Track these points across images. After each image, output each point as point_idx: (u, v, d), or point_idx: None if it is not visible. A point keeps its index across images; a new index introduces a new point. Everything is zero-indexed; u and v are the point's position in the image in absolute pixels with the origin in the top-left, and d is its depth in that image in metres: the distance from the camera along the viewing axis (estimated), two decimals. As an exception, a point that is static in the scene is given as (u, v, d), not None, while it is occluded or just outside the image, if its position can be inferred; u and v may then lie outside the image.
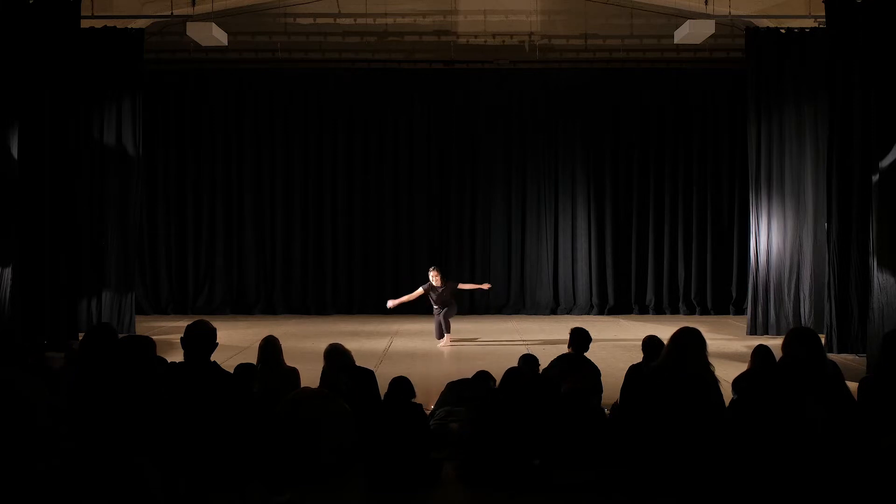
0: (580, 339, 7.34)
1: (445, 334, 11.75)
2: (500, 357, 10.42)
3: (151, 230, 15.92)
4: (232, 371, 5.75)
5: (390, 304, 12.41)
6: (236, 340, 11.62)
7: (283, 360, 6.88)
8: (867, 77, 10.46)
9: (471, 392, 6.66)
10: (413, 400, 5.79)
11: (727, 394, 5.49)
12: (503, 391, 5.81)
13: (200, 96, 15.99)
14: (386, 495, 5.36)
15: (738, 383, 5.68)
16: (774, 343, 6.11)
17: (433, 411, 6.61)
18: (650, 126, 16.12)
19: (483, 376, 7.10)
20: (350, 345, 7.36)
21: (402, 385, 5.78)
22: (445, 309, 11.84)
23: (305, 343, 11.52)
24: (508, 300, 16.08)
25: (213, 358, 5.15)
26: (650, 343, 6.75)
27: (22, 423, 4.30)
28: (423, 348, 11.59)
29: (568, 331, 7.53)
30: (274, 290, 16.11)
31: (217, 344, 5.17)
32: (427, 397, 6.74)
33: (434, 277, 11.96)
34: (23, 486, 4.04)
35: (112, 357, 4.80)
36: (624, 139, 16.16)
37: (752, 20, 13.11)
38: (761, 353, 6.09)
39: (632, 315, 15.78)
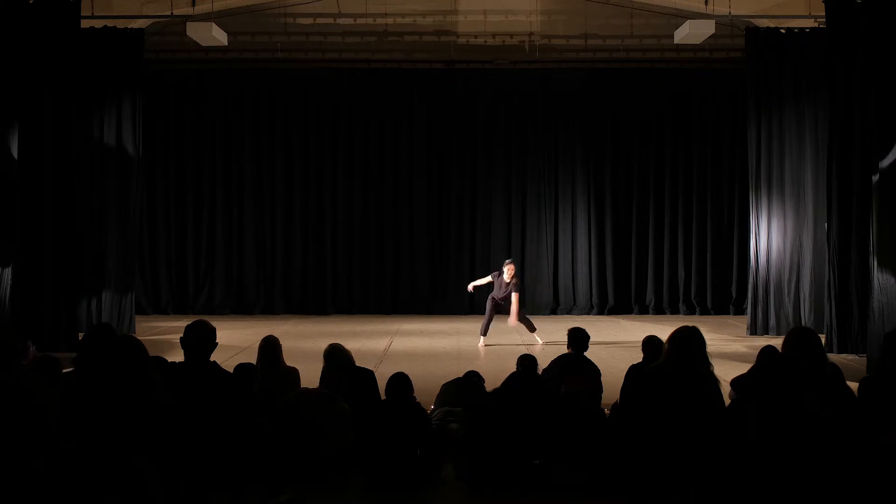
0: (579, 338, 7.36)
1: (534, 332, 11.85)
2: (500, 357, 10.44)
3: (151, 230, 15.92)
4: (232, 371, 5.75)
5: (471, 287, 12.66)
6: (236, 340, 11.61)
7: (283, 360, 6.88)
8: (867, 77, 10.46)
9: (465, 392, 6.67)
10: (412, 397, 5.79)
11: (727, 394, 5.49)
12: (502, 392, 5.81)
13: (200, 96, 15.99)
14: (385, 495, 5.37)
15: (737, 383, 5.68)
16: (775, 343, 6.11)
17: (431, 412, 6.61)
18: (650, 126, 16.13)
19: (473, 376, 7.11)
20: (350, 345, 7.36)
21: (400, 382, 5.77)
22: (504, 304, 11.86)
23: (305, 343, 11.52)
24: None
25: (213, 358, 5.16)
26: (650, 343, 6.75)
27: (28, 422, 4.30)
28: (423, 348, 11.59)
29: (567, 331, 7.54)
30: (274, 290, 16.11)
31: (217, 344, 5.18)
32: (427, 397, 6.74)
33: (508, 270, 11.87)
34: (23, 486, 4.04)
35: (107, 357, 4.80)
36: (624, 139, 16.16)
37: (752, 20, 13.11)
38: (767, 353, 6.06)
39: (632, 315, 15.79)
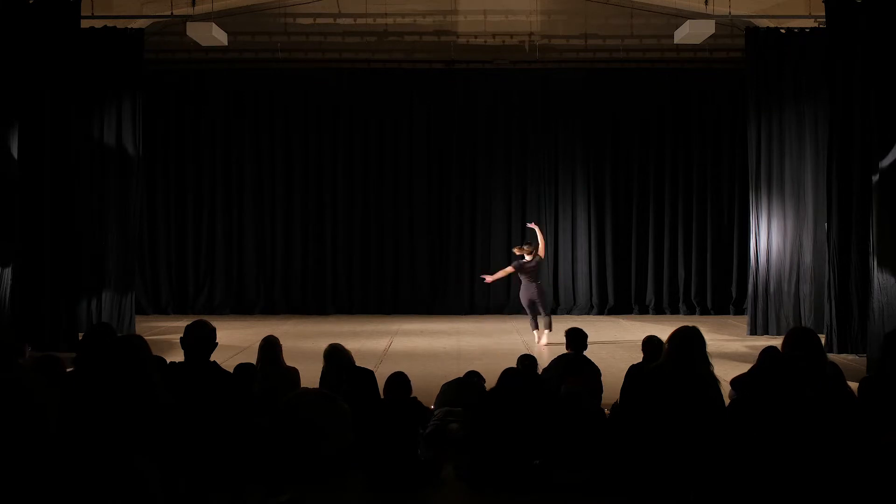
0: (576, 338, 7.39)
1: (545, 331, 11.73)
2: (500, 357, 10.43)
3: (151, 230, 15.92)
4: (231, 371, 5.75)
5: (488, 279, 12.76)
6: (236, 340, 11.62)
7: (283, 360, 6.88)
8: (867, 77, 10.46)
9: (465, 392, 6.68)
10: (412, 397, 5.79)
11: (727, 393, 5.49)
12: (498, 391, 5.81)
13: (200, 96, 15.99)
14: (385, 495, 5.37)
15: (736, 383, 5.68)
16: (774, 343, 6.11)
17: (431, 412, 6.62)
18: (650, 126, 16.13)
19: (473, 376, 7.11)
20: (350, 345, 7.37)
21: (399, 382, 5.77)
22: (538, 293, 11.86)
23: (305, 343, 11.52)
24: (508, 300, 16.06)
25: (212, 358, 5.16)
26: (650, 343, 6.76)
27: (28, 422, 4.30)
28: (423, 348, 11.59)
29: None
30: (274, 290, 16.11)
31: (217, 344, 5.18)
32: (427, 397, 6.74)
33: (528, 254, 12.02)
34: (24, 486, 4.04)
35: (107, 357, 4.80)
36: (624, 139, 16.16)
37: (752, 20, 13.10)
38: (768, 354, 6.05)
39: (632, 315, 15.79)
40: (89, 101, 12.53)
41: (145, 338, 5.12)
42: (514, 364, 6.69)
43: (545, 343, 11.55)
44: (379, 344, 11.85)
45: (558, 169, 16.23)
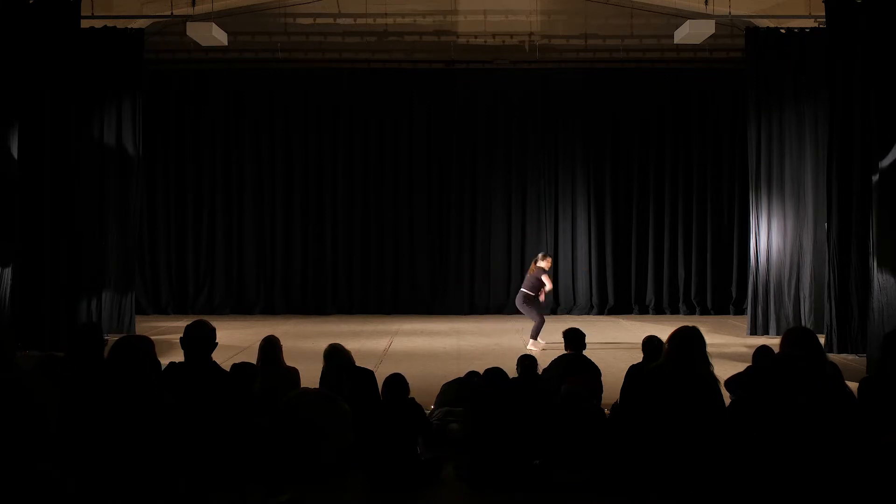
0: (575, 338, 7.42)
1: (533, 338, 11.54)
2: (500, 357, 10.42)
3: (151, 230, 15.93)
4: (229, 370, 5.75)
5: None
6: (236, 340, 11.62)
7: (283, 359, 6.88)
8: (867, 77, 10.46)
9: (465, 392, 6.69)
10: (409, 397, 5.79)
11: (725, 393, 5.49)
12: (491, 391, 5.81)
13: (200, 96, 15.99)
14: (385, 495, 5.37)
15: (731, 383, 5.68)
16: (774, 343, 6.11)
17: (432, 412, 6.62)
18: (650, 126, 16.13)
19: (474, 376, 7.11)
20: (350, 345, 7.37)
21: (397, 383, 5.77)
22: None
23: (305, 343, 11.52)
24: (508, 300, 16.04)
25: (213, 358, 5.16)
26: (650, 343, 6.76)
27: (28, 422, 4.30)
28: (423, 348, 11.59)
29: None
30: (274, 290, 16.11)
31: (217, 344, 5.18)
32: (427, 397, 6.74)
33: (548, 264, 11.91)
34: (26, 487, 4.04)
35: (105, 357, 4.80)
36: (624, 139, 16.17)
37: (752, 20, 13.11)
38: (763, 353, 6.07)
39: (632, 315, 15.79)
40: (89, 101, 12.51)
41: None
42: (514, 363, 6.70)
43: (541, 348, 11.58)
44: (379, 344, 11.85)
45: (558, 169, 16.23)
